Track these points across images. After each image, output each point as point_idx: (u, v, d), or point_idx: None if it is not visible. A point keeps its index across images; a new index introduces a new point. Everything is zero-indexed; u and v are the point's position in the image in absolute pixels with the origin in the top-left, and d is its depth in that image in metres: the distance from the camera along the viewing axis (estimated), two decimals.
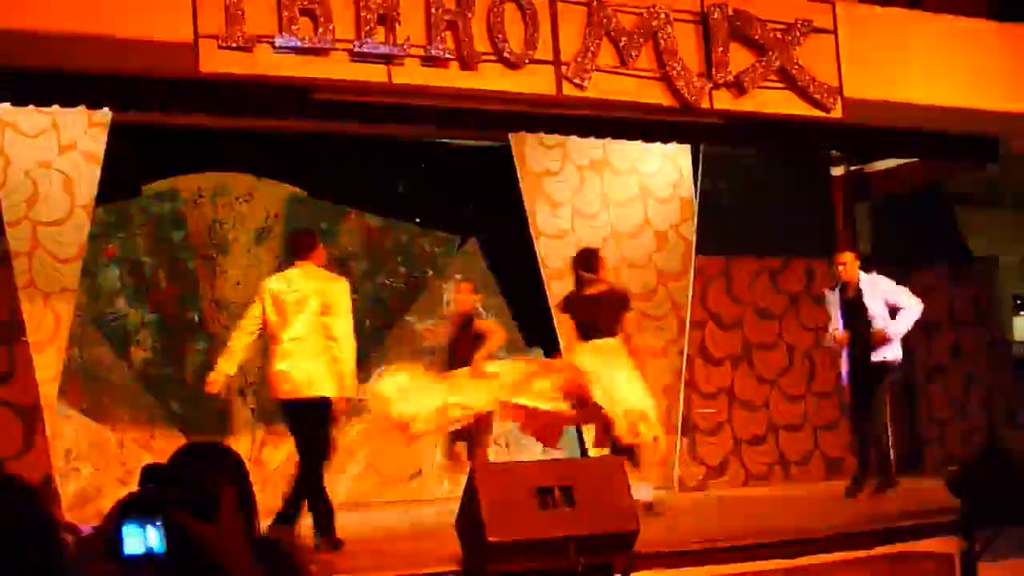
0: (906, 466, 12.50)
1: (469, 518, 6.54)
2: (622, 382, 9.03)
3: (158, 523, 2.50)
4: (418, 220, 12.44)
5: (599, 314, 9.31)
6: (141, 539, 2.49)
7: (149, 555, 2.49)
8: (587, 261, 9.56)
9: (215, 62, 7.47)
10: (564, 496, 6.58)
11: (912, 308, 10.19)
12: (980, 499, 7.94)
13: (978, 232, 13.66)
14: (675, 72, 8.82)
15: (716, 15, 8.98)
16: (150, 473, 2.73)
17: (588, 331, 9.30)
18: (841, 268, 10.23)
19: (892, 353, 10.23)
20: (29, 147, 9.96)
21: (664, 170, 12.39)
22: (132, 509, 2.57)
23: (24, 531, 2.42)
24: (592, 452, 11.65)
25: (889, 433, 11.04)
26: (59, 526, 2.51)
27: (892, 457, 10.90)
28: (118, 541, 2.51)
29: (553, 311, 10.47)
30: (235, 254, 11.50)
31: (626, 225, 12.26)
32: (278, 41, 7.61)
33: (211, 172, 11.55)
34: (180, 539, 2.52)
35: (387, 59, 7.95)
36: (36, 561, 2.41)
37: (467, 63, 8.15)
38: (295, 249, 8.54)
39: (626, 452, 8.73)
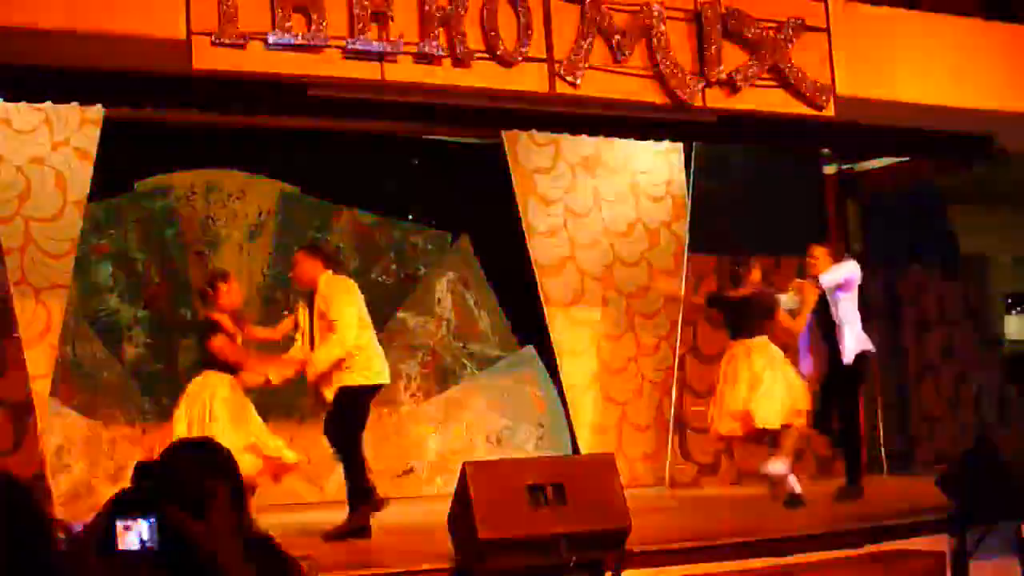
0: (897, 464, 12.53)
1: (461, 515, 6.54)
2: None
3: (150, 520, 2.51)
4: (410, 217, 12.45)
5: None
6: (133, 535, 2.49)
7: (141, 551, 2.49)
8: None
9: (208, 59, 7.47)
10: (556, 493, 6.59)
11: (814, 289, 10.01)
12: (971, 497, 7.97)
13: (969, 231, 13.69)
14: (668, 70, 8.82)
15: (709, 13, 8.99)
16: (142, 470, 2.74)
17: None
18: (812, 262, 10.08)
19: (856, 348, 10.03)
20: (22, 143, 9.96)
21: (657, 168, 12.41)
22: (125, 505, 2.57)
23: (16, 528, 2.42)
24: (583, 449, 11.70)
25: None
26: (51, 523, 2.51)
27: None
28: (110, 537, 2.51)
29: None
30: (228, 251, 11.50)
31: (618, 223, 12.28)
32: (271, 38, 7.60)
33: (204, 169, 11.55)
34: (172, 535, 2.52)
35: (380, 56, 7.95)
36: (29, 558, 2.42)
37: (460, 60, 8.15)
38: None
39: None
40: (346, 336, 8.44)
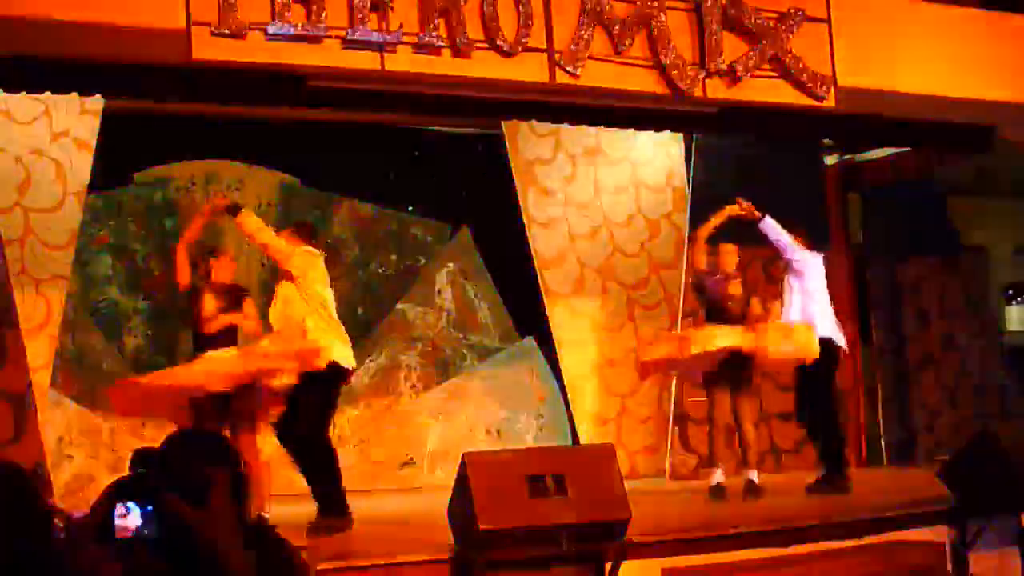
0: (897, 455, 12.53)
1: (461, 506, 6.54)
2: None
3: (148, 507, 2.50)
4: (410, 208, 12.43)
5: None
6: (131, 522, 2.49)
7: (139, 539, 2.49)
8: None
9: (208, 49, 7.46)
10: (556, 484, 6.58)
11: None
12: (971, 489, 7.97)
13: (970, 222, 13.69)
14: (668, 60, 8.81)
15: (709, 3, 8.98)
16: (140, 457, 2.73)
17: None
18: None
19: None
20: (21, 134, 9.96)
21: (657, 159, 12.40)
22: (122, 493, 2.57)
23: (16, 515, 2.42)
24: (583, 440, 11.70)
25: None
26: (51, 511, 2.51)
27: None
28: (108, 525, 2.51)
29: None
30: (227, 242, 11.47)
31: (618, 214, 12.27)
32: (271, 28, 7.59)
33: (203, 159, 11.53)
34: (170, 523, 2.52)
35: (380, 46, 7.94)
36: (29, 546, 2.41)
37: (460, 51, 8.14)
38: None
39: None
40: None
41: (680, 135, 11.98)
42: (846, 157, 12.96)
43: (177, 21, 7.35)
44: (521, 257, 11.87)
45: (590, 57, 8.58)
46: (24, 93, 8.76)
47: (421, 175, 12.32)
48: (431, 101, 8.80)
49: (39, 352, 9.76)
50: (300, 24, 7.67)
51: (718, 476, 9.66)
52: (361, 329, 11.88)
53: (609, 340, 12.11)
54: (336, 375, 8.16)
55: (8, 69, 7.61)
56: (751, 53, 9.15)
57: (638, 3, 8.74)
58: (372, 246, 12.19)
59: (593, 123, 10.05)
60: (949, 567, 7.83)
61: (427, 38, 8.02)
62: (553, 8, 8.47)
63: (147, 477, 2.62)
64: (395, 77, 8.14)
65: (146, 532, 2.51)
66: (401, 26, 7.94)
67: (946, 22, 10.16)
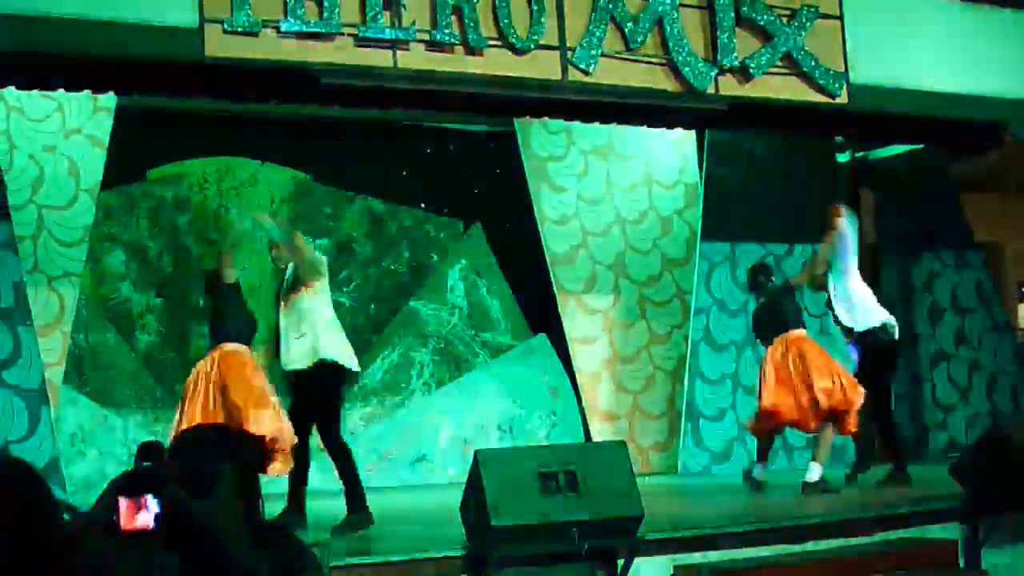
0: (910, 452, 12.50)
1: (473, 502, 6.54)
2: None
3: (153, 500, 2.51)
4: (423, 205, 12.43)
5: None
6: (136, 515, 2.49)
7: (144, 531, 2.49)
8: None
9: (220, 46, 7.48)
10: (568, 481, 6.58)
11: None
12: (984, 486, 7.95)
13: (983, 218, 13.65)
14: (681, 58, 8.81)
15: (722, 0, 8.97)
16: (146, 451, 2.74)
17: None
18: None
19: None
20: (34, 131, 9.99)
21: (669, 156, 12.40)
22: (128, 486, 2.58)
23: (22, 508, 2.43)
24: (595, 437, 11.69)
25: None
26: (57, 504, 2.52)
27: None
28: (114, 518, 2.51)
29: None
30: (239, 239, 11.49)
31: (631, 211, 12.27)
32: (283, 25, 7.61)
33: (216, 157, 11.54)
34: (174, 516, 2.52)
35: (392, 44, 7.95)
36: (34, 538, 2.42)
37: (472, 48, 8.15)
38: None
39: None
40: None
41: (693, 132, 11.97)
42: (859, 154, 12.93)
43: (190, 18, 7.36)
44: (533, 254, 11.88)
45: (602, 54, 8.58)
46: (37, 90, 8.79)
47: (434, 172, 12.33)
48: (443, 98, 8.81)
49: (52, 349, 9.79)
50: (313, 21, 7.68)
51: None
52: (373, 326, 11.90)
53: (621, 337, 12.11)
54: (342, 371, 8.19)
55: (21, 67, 7.63)
56: (764, 50, 9.14)
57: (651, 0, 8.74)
58: (385, 243, 12.19)
59: (605, 120, 10.05)
60: (961, 564, 7.82)
61: (439, 35, 8.03)
62: (565, 5, 8.47)
63: (151, 470, 2.63)
64: (407, 74, 8.14)
65: (150, 525, 2.52)
66: (414, 23, 7.95)
67: (958, 19, 10.14)
